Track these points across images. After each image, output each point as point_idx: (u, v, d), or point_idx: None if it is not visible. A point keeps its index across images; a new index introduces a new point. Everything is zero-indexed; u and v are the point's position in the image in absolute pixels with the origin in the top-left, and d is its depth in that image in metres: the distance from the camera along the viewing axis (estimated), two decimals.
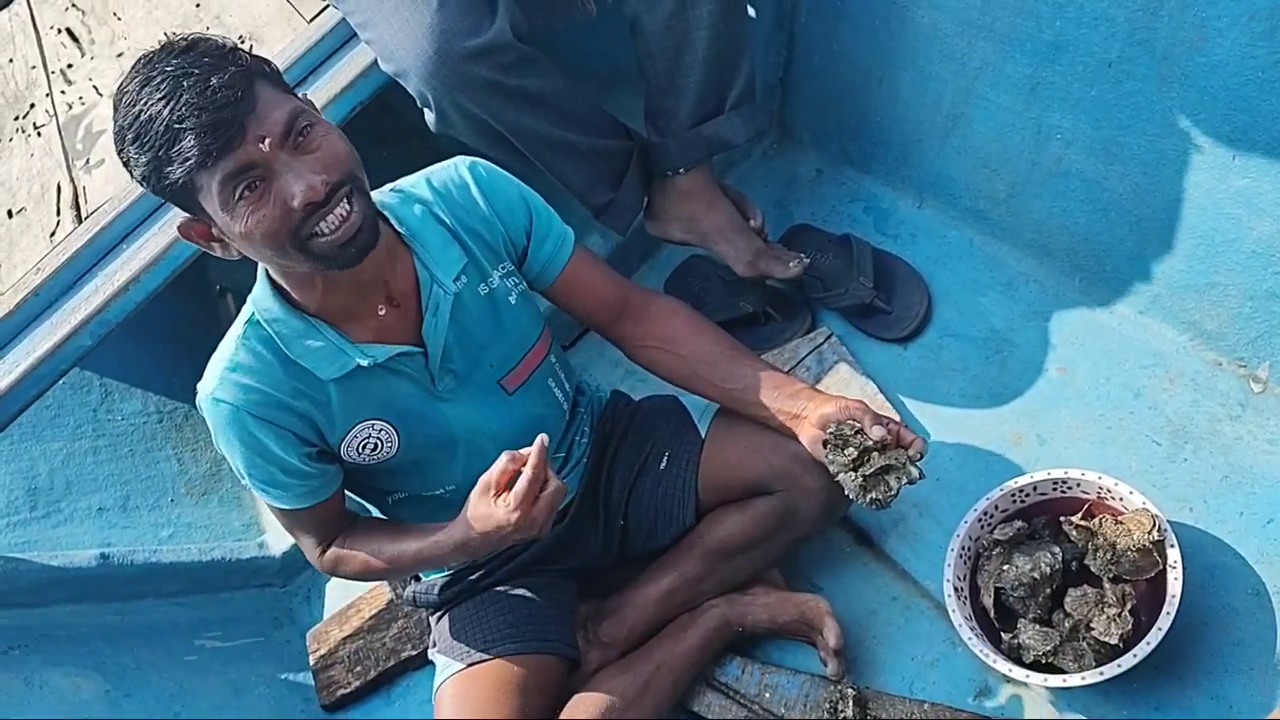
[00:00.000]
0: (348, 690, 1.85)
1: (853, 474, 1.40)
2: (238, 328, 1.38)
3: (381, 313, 1.40)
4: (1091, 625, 1.42)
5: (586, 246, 1.60)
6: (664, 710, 1.57)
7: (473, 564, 1.62)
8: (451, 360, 1.45)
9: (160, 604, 2.00)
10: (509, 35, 1.61)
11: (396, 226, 1.40)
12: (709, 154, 1.85)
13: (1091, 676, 1.37)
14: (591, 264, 1.58)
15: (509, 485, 1.31)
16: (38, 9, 2.51)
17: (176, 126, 1.15)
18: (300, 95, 1.27)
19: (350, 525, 1.52)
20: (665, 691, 1.56)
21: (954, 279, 1.90)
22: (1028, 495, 1.53)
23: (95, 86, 2.22)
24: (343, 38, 1.86)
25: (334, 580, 2.01)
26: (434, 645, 1.64)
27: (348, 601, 1.94)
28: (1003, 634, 1.47)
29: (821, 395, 1.48)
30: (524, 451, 1.30)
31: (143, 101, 1.16)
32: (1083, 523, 1.46)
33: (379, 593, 1.90)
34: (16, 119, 2.33)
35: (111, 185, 1.94)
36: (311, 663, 1.90)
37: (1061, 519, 1.49)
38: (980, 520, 1.53)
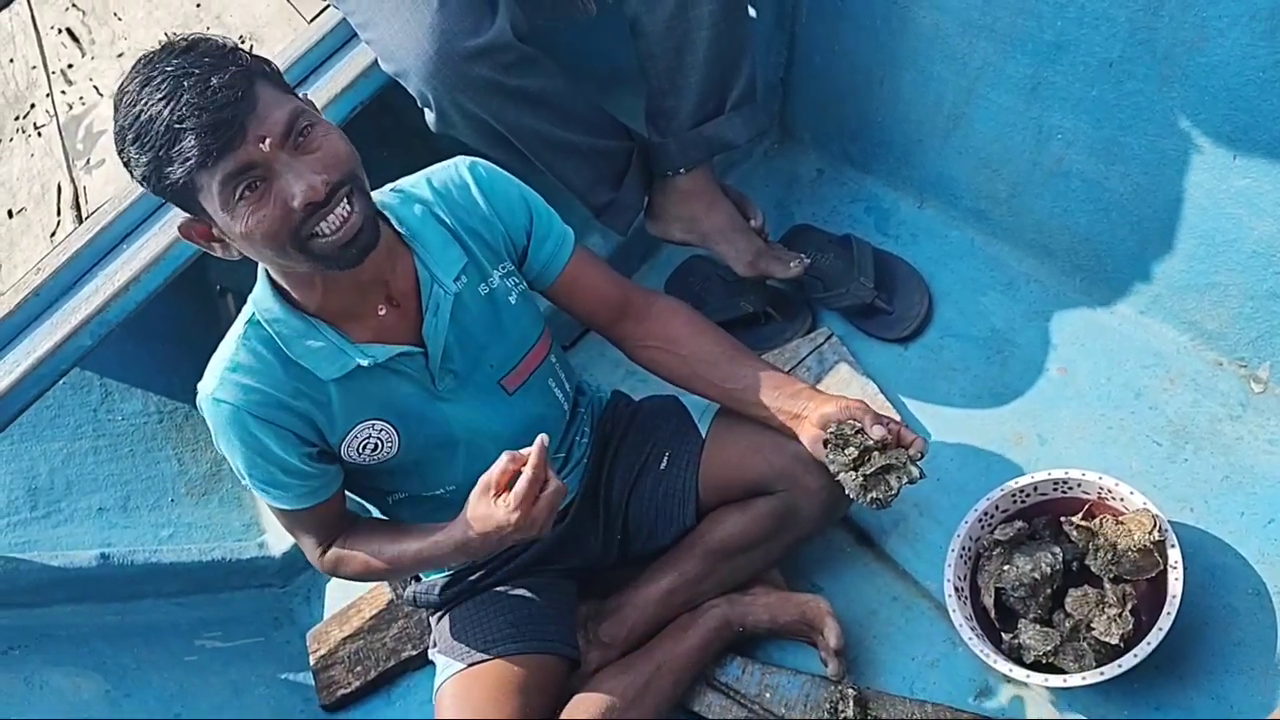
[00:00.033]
0: (348, 690, 1.85)
1: (853, 473, 1.40)
2: (238, 328, 1.37)
3: (382, 313, 1.40)
4: (1092, 625, 1.42)
5: (587, 246, 1.60)
6: (664, 710, 1.57)
7: (473, 564, 1.62)
8: (452, 360, 1.45)
9: (160, 604, 2.00)
10: (509, 35, 1.61)
11: (397, 226, 1.40)
12: (710, 154, 1.85)
13: (1092, 677, 1.37)
14: (592, 264, 1.58)
15: (509, 485, 1.30)
16: (38, 9, 2.51)
17: (177, 126, 1.15)
18: (301, 95, 1.27)
19: (351, 526, 1.52)
20: (666, 691, 1.56)
21: (955, 279, 1.90)
22: (1028, 495, 1.53)
23: (96, 86, 2.22)
24: (343, 38, 1.86)
25: (334, 580, 2.01)
26: (434, 645, 1.64)
27: (348, 602, 1.94)
28: (1003, 634, 1.47)
29: (822, 395, 1.48)
30: (524, 451, 1.30)
31: (143, 101, 1.16)
32: (1083, 523, 1.46)
33: (379, 593, 1.90)
34: (17, 119, 2.33)
35: (112, 185, 1.94)
36: (312, 663, 1.90)
37: (1062, 519, 1.49)
38: (981, 520, 1.53)
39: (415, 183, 1.47)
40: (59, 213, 2.01)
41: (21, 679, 1.72)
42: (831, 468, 1.42)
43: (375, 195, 1.36)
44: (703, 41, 1.71)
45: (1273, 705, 1.37)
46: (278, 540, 2.10)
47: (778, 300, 1.96)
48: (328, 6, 1.90)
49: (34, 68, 2.39)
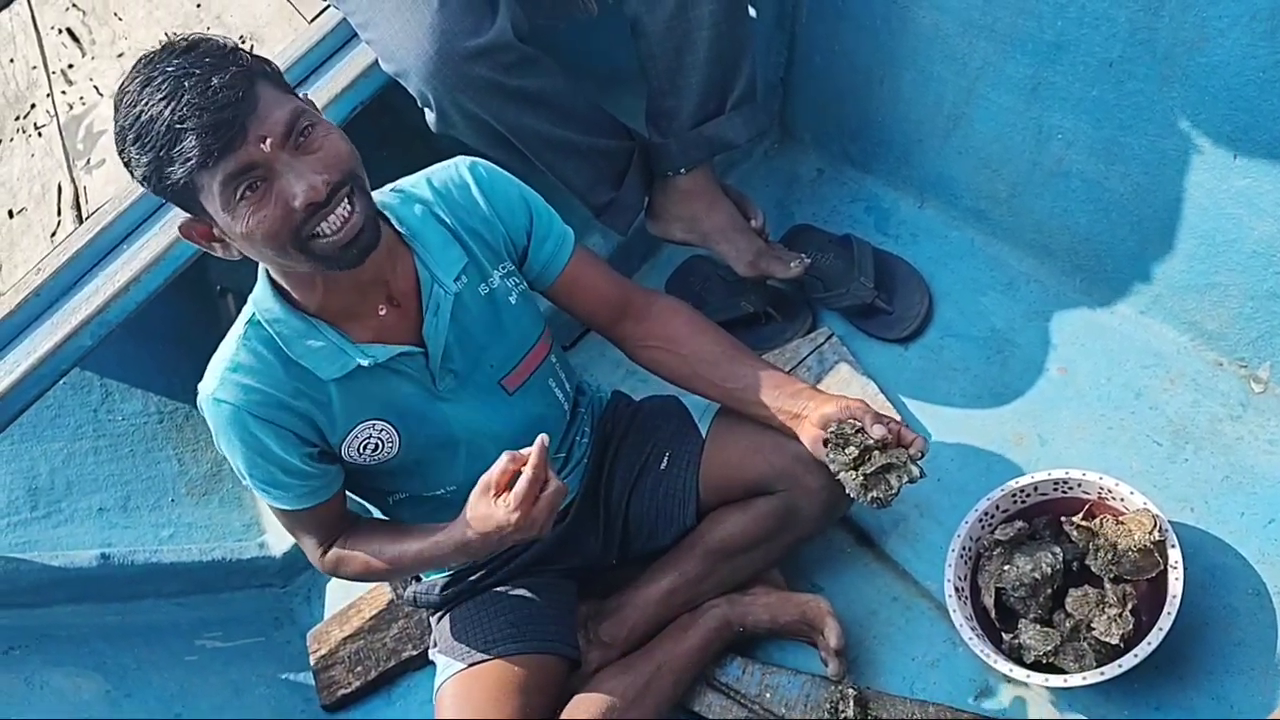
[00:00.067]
0: (348, 690, 1.85)
1: (854, 473, 1.40)
2: (238, 328, 1.37)
3: (382, 313, 1.40)
4: (1092, 625, 1.42)
5: (587, 246, 1.60)
6: (665, 710, 1.57)
7: (473, 564, 1.62)
8: (452, 360, 1.45)
9: (161, 604, 2.00)
10: (510, 35, 1.61)
11: (397, 226, 1.40)
12: (710, 154, 1.85)
13: (1092, 677, 1.37)
14: (592, 264, 1.58)
15: (509, 485, 1.30)
16: (38, 9, 2.51)
17: (178, 127, 1.15)
18: (301, 95, 1.27)
19: (351, 526, 1.52)
20: (666, 692, 1.56)
21: (955, 279, 1.90)
22: (1029, 495, 1.53)
23: (96, 87, 2.22)
24: (343, 38, 1.86)
25: (334, 580, 2.01)
26: (435, 645, 1.64)
27: (348, 602, 1.94)
28: (1003, 634, 1.47)
29: (822, 395, 1.48)
30: (524, 452, 1.30)
31: (144, 102, 1.16)
32: (1084, 523, 1.46)
33: (379, 593, 1.90)
34: (17, 119, 2.33)
35: (112, 185, 1.94)
36: (312, 663, 1.90)
37: (1062, 519, 1.49)
38: (981, 520, 1.53)
39: (415, 183, 1.47)
40: (59, 213, 2.01)
41: (22, 679, 1.72)
42: (832, 467, 1.42)
43: (375, 195, 1.36)
44: (703, 41, 1.71)
45: (1273, 705, 1.37)
46: (278, 540, 2.10)
47: (778, 300, 1.96)
48: (328, 6, 1.90)
49: (34, 68, 2.39)
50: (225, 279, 2.46)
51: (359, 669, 1.85)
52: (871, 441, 1.39)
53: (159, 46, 1.20)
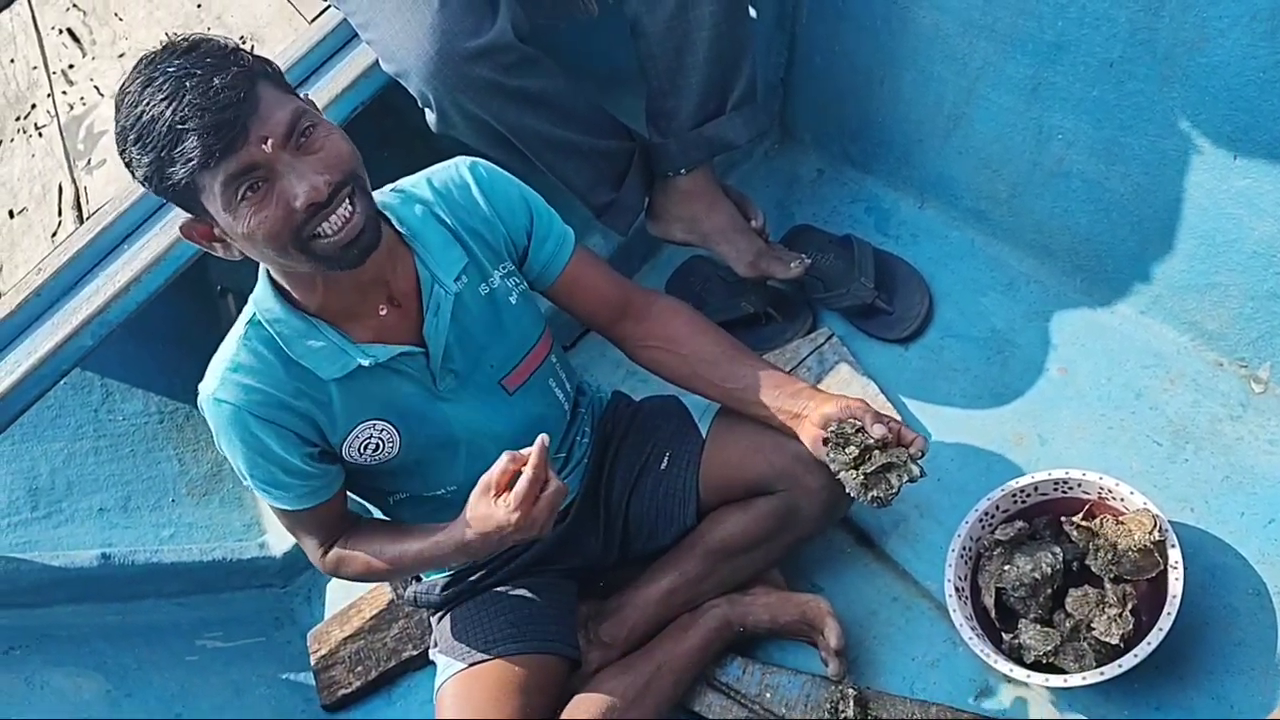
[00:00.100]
0: (349, 690, 1.85)
1: (854, 472, 1.40)
2: (239, 328, 1.38)
3: (382, 313, 1.40)
4: (1092, 625, 1.42)
5: (587, 247, 1.60)
6: (665, 710, 1.57)
7: (474, 564, 1.62)
8: (452, 360, 1.45)
9: (161, 604, 2.00)
10: (510, 36, 1.61)
11: (397, 227, 1.40)
12: (710, 155, 1.85)
13: (1092, 677, 1.37)
14: (592, 264, 1.58)
15: (509, 485, 1.31)
16: (39, 9, 2.51)
17: (179, 127, 1.15)
18: (302, 96, 1.27)
19: (352, 526, 1.52)
20: (666, 692, 1.56)
21: (955, 279, 1.90)
22: (1029, 495, 1.53)
23: (97, 87, 2.22)
24: (344, 38, 1.86)
25: (335, 581, 2.01)
26: (435, 645, 1.64)
27: (349, 602, 1.94)
28: (1003, 634, 1.47)
29: (822, 394, 1.48)
30: (524, 452, 1.30)
31: (145, 102, 1.16)
32: (1084, 523, 1.46)
33: (380, 593, 1.90)
34: (18, 119, 2.33)
35: (113, 185, 1.94)
36: (312, 663, 1.90)
37: (1062, 519, 1.50)
38: (981, 520, 1.53)
39: (416, 183, 1.47)
40: (60, 213, 2.02)
41: (22, 679, 1.72)
42: (832, 466, 1.42)
43: (376, 195, 1.36)
44: (703, 42, 1.71)
45: (1273, 705, 1.37)
46: (279, 540, 2.10)
47: (778, 300, 1.96)
48: (328, 7, 1.90)
49: (35, 68, 2.40)
50: (226, 279, 2.46)
51: (359, 669, 1.85)
52: (872, 441, 1.39)
53: (160, 47, 1.20)
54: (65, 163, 2.10)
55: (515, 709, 1.48)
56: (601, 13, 1.78)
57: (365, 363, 1.37)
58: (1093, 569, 1.45)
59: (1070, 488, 1.50)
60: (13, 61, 2.46)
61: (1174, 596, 1.36)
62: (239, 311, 1.40)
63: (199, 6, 2.19)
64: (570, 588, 1.67)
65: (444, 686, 1.56)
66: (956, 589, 1.49)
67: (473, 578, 1.63)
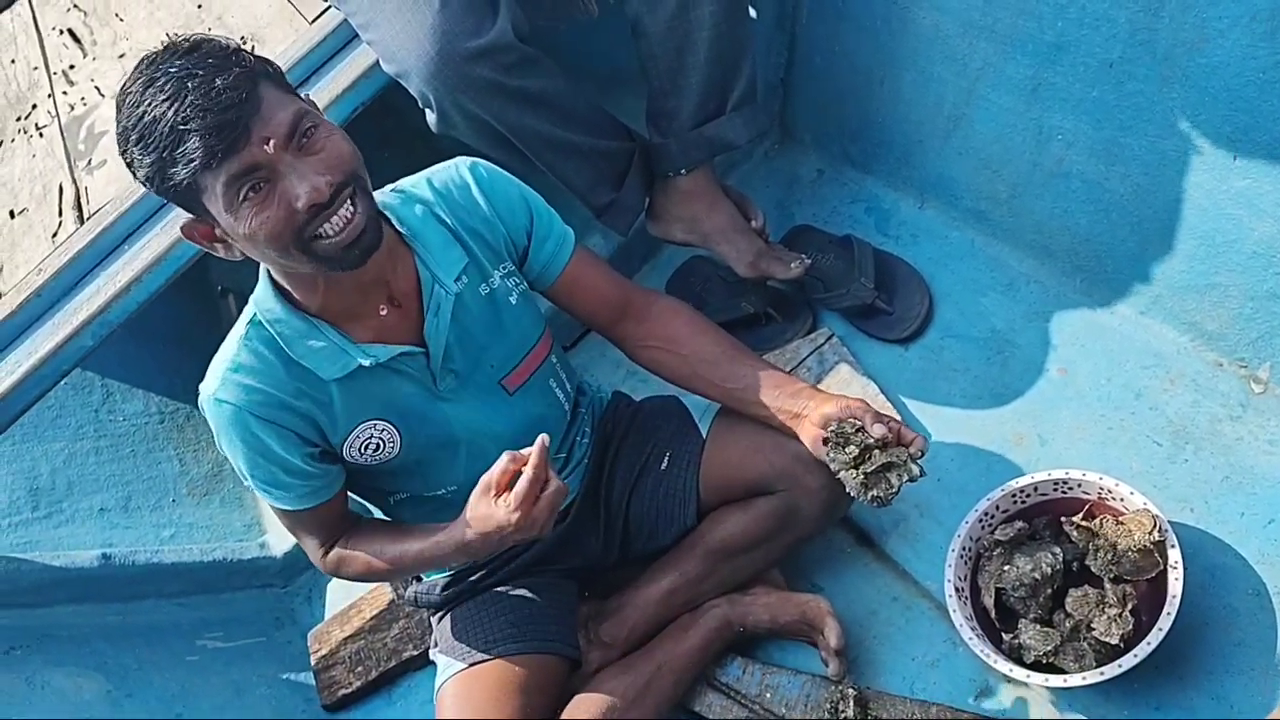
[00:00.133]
0: (349, 690, 1.85)
1: (854, 471, 1.40)
2: (240, 328, 1.38)
3: (383, 313, 1.40)
4: (1092, 625, 1.42)
5: (587, 247, 1.60)
6: (665, 710, 1.57)
7: (474, 564, 1.62)
8: (453, 360, 1.45)
9: (162, 604, 2.00)
10: (510, 36, 1.62)
11: (398, 227, 1.40)
12: (710, 155, 1.85)
13: (1092, 677, 1.37)
14: (592, 264, 1.58)
15: (510, 485, 1.31)
16: (40, 10, 2.51)
17: (181, 128, 1.15)
18: (303, 96, 1.27)
19: (353, 526, 1.52)
20: (666, 692, 1.56)
21: (955, 280, 1.90)
22: (1029, 496, 1.53)
23: (97, 87, 2.22)
24: (344, 39, 1.86)
25: (335, 581, 2.01)
26: (435, 645, 1.64)
27: (349, 602, 1.94)
28: (1003, 634, 1.48)
29: (822, 394, 1.48)
30: (525, 452, 1.30)
31: (147, 103, 1.16)
32: (1084, 523, 1.46)
33: (380, 593, 1.90)
34: (18, 120, 2.33)
35: (113, 186, 1.94)
36: (313, 663, 1.90)
37: (1062, 519, 1.50)
38: (981, 521, 1.53)
39: (416, 183, 1.47)
40: (60, 213, 2.02)
41: (23, 679, 1.72)
42: (832, 466, 1.42)
43: (376, 196, 1.36)
44: (704, 42, 1.71)
45: (1273, 705, 1.37)
46: (279, 540, 2.11)
47: (778, 301, 1.96)
48: (329, 7, 1.90)
49: (35, 68, 2.40)
50: (227, 279, 2.46)
51: (360, 669, 1.85)
52: (872, 440, 1.39)
53: (161, 47, 1.20)
54: (66, 163, 2.10)
55: (515, 709, 1.48)
56: (602, 13, 1.78)
57: (366, 363, 1.38)
58: (1093, 569, 1.45)
59: (1070, 488, 1.51)
60: (13, 62, 2.46)
61: (1174, 597, 1.36)
62: (239, 312, 1.40)
63: (199, 7, 2.20)
64: (570, 588, 1.67)
65: (444, 686, 1.56)
66: (956, 589, 1.49)
67: (473, 578, 1.63)
